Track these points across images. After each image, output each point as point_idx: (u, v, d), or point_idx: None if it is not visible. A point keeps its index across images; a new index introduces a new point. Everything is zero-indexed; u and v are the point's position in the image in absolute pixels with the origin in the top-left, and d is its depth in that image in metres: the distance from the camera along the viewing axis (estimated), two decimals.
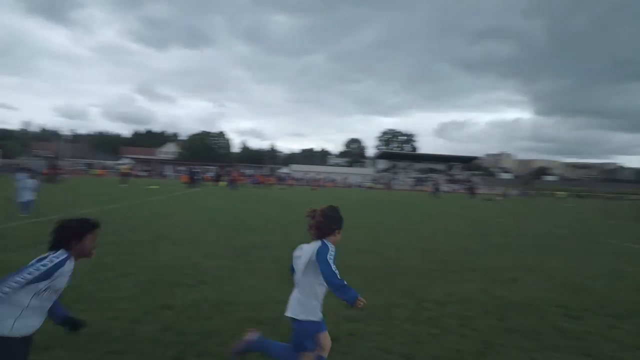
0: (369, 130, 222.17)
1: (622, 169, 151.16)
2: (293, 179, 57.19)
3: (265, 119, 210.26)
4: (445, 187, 68.74)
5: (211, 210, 13.84)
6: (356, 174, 78.20)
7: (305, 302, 2.40)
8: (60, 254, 2.00)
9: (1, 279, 1.85)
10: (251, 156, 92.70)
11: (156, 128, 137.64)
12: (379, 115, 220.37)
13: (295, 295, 2.47)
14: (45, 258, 1.96)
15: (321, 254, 2.34)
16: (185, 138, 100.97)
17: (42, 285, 1.93)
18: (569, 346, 3.44)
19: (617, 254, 8.63)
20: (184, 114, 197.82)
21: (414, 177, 75.11)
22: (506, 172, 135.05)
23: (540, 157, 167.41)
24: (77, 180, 31.93)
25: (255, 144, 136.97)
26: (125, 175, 33.53)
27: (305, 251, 2.47)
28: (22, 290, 1.88)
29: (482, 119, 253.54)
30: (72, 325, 2.23)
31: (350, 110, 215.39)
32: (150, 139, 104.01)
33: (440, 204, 26.79)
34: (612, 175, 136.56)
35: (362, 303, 2.28)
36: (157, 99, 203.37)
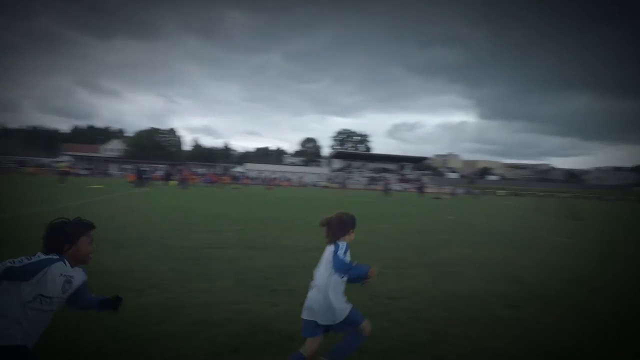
0: (324, 130, 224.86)
1: (553, 169, 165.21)
2: (248, 178, 56.29)
3: (218, 117, 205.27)
4: (397, 186, 71.06)
5: (161, 211, 13.26)
6: (312, 173, 78.66)
7: (334, 305, 2.56)
8: (50, 256, 1.84)
9: None
10: (204, 154, 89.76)
11: (99, 123, 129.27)
12: (334, 115, 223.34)
13: (308, 296, 2.66)
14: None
15: (332, 253, 2.62)
16: (132, 134, 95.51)
17: (26, 290, 1.72)
18: (507, 332, 3.72)
19: (548, 247, 9.44)
20: (130, 109, 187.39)
21: (367, 177, 76.89)
22: (453, 172, 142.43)
23: (483, 158, 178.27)
24: (5, 179, 29.12)
25: (208, 142, 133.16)
26: (63, 173, 31.14)
27: (324, 254, 2.73)
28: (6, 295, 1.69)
29: (431, 122, 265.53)
30: (113, 304, 2.13)
31: (306, 110, 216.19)
32: (92, 135, 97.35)
33: (391, 202, 27.67)
34: (545, 176, 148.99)
35: (373, 273, 2.64)
36: (100, 93, 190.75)
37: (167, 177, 36.78)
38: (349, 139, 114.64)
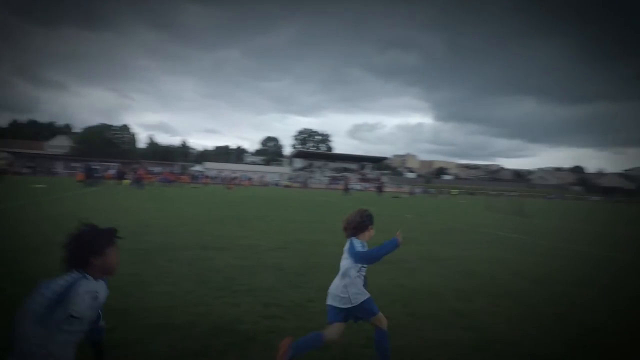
0: (285, 129, 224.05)
1: (502, 169, 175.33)
2: (207, 177, 54.82)
3: (175, 114, 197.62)
4: (357, 186, 72.22)
5: (113, 212, 12.61)
6: (273, 173, 78.10)
7: (349, 289, 2.85)
8: (73, 274, 1.74)
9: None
10: (160, 153, 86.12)
11: (42, 118, 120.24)
12: (295, 114, 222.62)
13: (333, 285, 2.93)
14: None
15: (350, 250, 2.91)
16: (80, 130, 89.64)
17: (57, 313, 1.64)
18: (461, 323, 3.94)
19: (497, 242, 10.05)
20: (78, 103, 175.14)
21: (329, 176, 77.57)
22: (411, 171, 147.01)
23: (439, 158, 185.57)
24: None
25: (164, 139, 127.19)
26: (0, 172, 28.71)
27: (345, 248, 3.01)
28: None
29: (390, 122, 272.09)
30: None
31: (267, 109, 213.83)
32: (34, 131, 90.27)
33: (352, 201, 28.12)
34: (495, 175, 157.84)
35: (400, 236, 3.07)
36: (44, 85, 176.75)
37: (120, 176, 34.86)
38: (311, 139, 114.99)
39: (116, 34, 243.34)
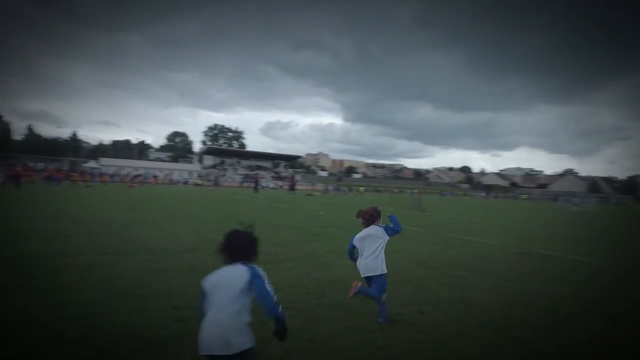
0: (195, 124, 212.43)
1: (405, 169, 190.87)
2: (105, 174, 49.39)
3: (63, 102, 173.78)
4: (271, 184, 72.10)
5: None
6: (181, 170, 73.70)
7: (378, 263, 3.96)
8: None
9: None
10: (42, 146, 74.57)
11: None
12: (206, 109, 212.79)
13: (367, 262, 4.00)
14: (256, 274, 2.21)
15: (382, 229, 4.09)
16: None
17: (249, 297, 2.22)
18: (369, 310, 4.28)
19: (400, 235, 10.98)
20: None
21: (242, 174, 75.95)
22: (323, 170, 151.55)
23: (349, 157, 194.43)
24: None
25: (48, 131, 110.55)
26: None
27: (370, 233, 4.07)
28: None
29: (303, 121, 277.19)
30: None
31: (175, 102, 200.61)
32: None
33: (266, 199, 28.03)
34: (398, 174, 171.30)
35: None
36: None
37: None
38: (223, 135, 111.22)
39: None
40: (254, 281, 2.18)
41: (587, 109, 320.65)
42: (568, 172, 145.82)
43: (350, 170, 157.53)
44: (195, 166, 79.06)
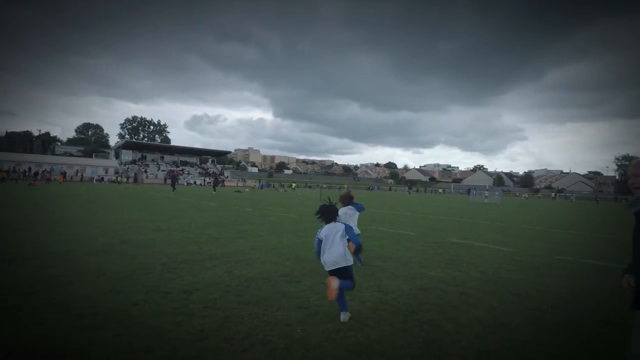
0: (110, 116, 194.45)
1: (335, 165, 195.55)
2: (2, 171, 43.08)
3: None
4: (198, 180, 69.10)
5: None
6: (96, 166, 67.31)
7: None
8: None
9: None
10: None
11: None
12: (122, 99, 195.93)
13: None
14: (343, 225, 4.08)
15: (355, 207, 6.35)
16: None
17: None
18: (290, 304, 4.32)
19: None
20: None
21: (165, 170, 71.53)
22: (254, 166, 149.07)
23: (280, 153, 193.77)
24: None
25: None
26: None
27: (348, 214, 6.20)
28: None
29: (231, 116, 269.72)
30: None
31: (84, 90, 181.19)
32: None
33: (186, 195, 26.82)
34: (329, 170, 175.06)
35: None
36: None
37: None
38: (143, 128, 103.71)
39: None
40: (347, 230, 4.03)
41: (494, 111, 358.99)
42: (478, 168, 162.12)
43: (282, 166, 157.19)
44: (111, 162, 72.51)
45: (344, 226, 4.03)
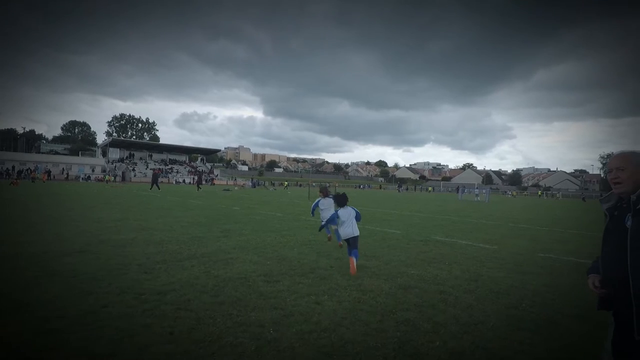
0: (98, 113, 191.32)
1: (326, 163, 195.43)
2: None
3: None
4: (187, 179, 68.42)
5: None
6: (82, 164, 66.24)
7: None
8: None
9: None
10: None
11: None
12: (110, 97, 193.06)
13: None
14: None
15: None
16: None
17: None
18: (266, 304, 4.24)
19: (309, 227, 11.19)
20: None
21: (154, 169, 70.70)
22: (244, 164, 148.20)
23: (271, 152, 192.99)
24: None
25: None
26: None
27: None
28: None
29: (221, 114, 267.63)
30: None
31: (72, 87, 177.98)
32: None
33: (171, 194, 26.52)
34: (320, 168, 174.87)
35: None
36: None
37: None
38: (132, 126, 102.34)
39: None
40: (357, 214, 6.16)
41: (483, 111, 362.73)
42: (468, 166, 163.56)
43: (272, 164, 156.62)
44: (99, 160, 71.39)
45: (354, 212, 6.17)
